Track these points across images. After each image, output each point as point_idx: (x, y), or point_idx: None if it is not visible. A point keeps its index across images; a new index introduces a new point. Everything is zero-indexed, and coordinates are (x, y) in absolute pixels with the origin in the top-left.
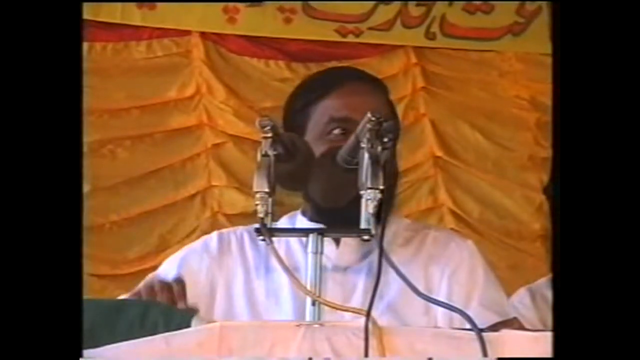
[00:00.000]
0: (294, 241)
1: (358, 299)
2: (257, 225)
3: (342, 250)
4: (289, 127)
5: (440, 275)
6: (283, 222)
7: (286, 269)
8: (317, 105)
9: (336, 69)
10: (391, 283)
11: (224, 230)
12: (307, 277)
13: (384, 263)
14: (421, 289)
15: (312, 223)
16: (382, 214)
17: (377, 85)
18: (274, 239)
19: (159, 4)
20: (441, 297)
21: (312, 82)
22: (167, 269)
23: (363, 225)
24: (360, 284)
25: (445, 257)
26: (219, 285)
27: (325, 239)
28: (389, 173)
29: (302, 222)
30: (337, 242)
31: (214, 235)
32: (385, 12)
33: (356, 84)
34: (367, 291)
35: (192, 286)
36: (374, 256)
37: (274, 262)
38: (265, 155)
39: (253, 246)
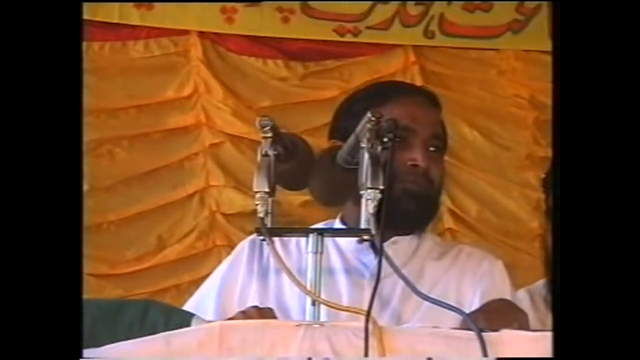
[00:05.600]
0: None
1: (395, 308)
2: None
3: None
4: (336, 131)
5: (473, 292)
6: None
7: (286, 269)
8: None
9: (392, 82)
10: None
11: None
12: (307, 278)
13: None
14: (452, 299)
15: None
16: (382, 214)
17: (435, 102)
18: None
19: (157, 5)
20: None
21: (369, 91)
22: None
23: (363, 225)
24: (397, 292)
25: (479, 274)
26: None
27: (363, 248)
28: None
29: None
30: (375, 251)
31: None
32: (383, 11)
33: (416, 97)
34: (404, 300)
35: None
36: (411, 265)
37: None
38: (265, 155)
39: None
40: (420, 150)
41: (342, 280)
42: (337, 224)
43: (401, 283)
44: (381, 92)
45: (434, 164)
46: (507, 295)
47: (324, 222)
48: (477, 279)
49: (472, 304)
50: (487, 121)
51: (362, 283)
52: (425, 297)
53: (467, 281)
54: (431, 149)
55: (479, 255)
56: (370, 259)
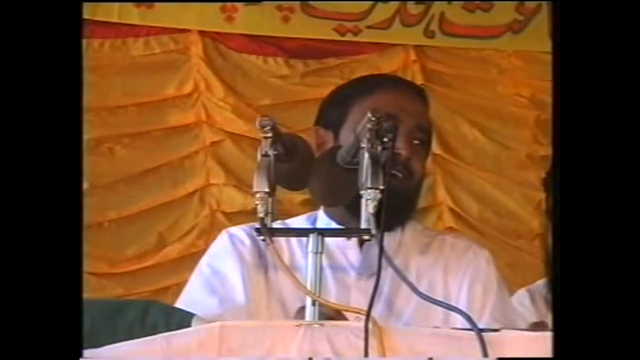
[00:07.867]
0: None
1: (388, 299)
2: (257, 226)
3: (366, 256)
4: (322, 120)
5: (460, 284)
6: (301, 222)
7: (286, 268)
8: (361, 100)
9: (381, 75)
10: (410, 293)
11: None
12: (307, 278)
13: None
14: (439, 294)
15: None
16: (382, 214)
17: (423, 96)
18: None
19: (156, 4)
20: (461, 305)
21: (356, 82)
22: None
23: (363, 225)
24: (385, 290)
25: (464, 266)
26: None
27: (349, 245)
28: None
29: (323, 221)
30: (360, 247)
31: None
32: (383, 11)
33: (405, 89)
34: (392, 298)
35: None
36: (396, 260)
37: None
38: (265, 155)
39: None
40: (403, 139)
41: (327, 278)
42: (322, 216)
43: (392, 274)
44: (366, 84)
45: (416, 156)
46: (494, 285)
47: (306, 215)
48: (462, 271)
49: (460, 296)
50: (488, 120)
51: (348, 282)
52: (426, 298)
53: (453, 273)
54: (415, 142)
55: (464, 245)
56: (357, 256)
